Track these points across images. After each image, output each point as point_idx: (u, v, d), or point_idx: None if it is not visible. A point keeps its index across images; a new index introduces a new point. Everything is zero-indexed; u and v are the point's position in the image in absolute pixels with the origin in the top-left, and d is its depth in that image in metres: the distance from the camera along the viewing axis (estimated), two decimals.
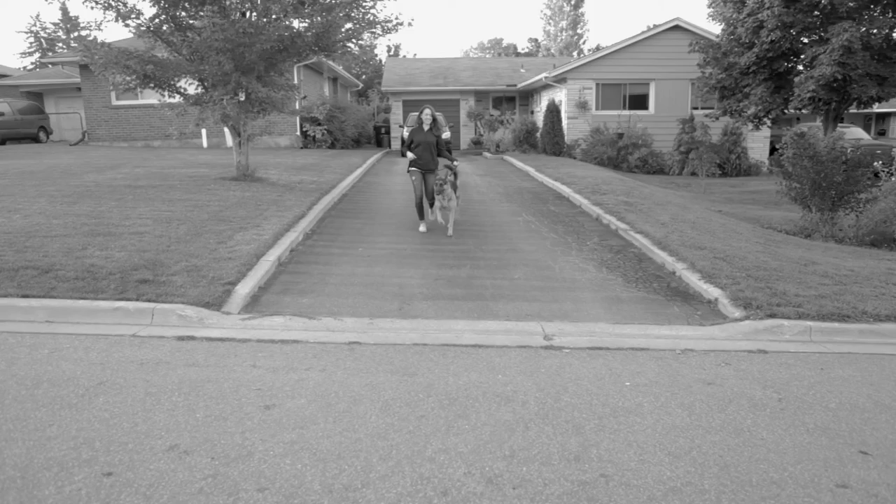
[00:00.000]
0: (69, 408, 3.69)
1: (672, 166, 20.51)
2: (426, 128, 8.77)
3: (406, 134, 9.49)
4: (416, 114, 8.99)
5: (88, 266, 6.15)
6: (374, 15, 11.79)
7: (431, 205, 9.22)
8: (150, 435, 3.40)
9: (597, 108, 22.18)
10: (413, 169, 8.88)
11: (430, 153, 8.77)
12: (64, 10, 46.22)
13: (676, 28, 21.48)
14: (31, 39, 47.04)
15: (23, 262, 6.16)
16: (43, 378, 4.10)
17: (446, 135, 9.59)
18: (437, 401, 3.90)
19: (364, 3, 11.62)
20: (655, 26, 22.24)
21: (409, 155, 8.79)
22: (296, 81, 17.51)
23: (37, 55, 45.90)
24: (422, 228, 8.98)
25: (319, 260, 7.39)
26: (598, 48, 31.08)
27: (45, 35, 46.84)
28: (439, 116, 9.12)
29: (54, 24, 47.11)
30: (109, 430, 3.45)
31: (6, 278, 5.75)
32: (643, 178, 17.96)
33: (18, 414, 3.60)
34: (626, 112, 21.98)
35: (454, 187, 8.97)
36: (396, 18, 11.94)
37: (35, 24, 47.51)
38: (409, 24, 12.46)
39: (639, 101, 22.38)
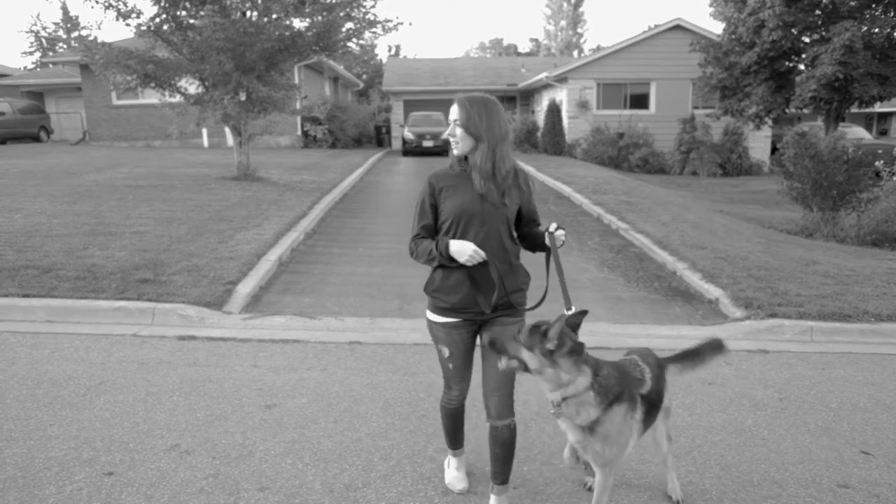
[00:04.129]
0: (70, 407, 3.69)
1: (673, 166, 20.50)
2: (482, 177, 2.55)
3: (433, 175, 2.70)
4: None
5: (89, 266, 6.15)
6: (374, 15, 11.82)
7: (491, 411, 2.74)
8: (151, 434, 3.40)
9: (598, 108, 22.17)
10: (443, 322, 2.73)
11: (499, 250, 2.62)
12: (65, 10, 46.23)
13: (677, 28, 21.47)
14: (32, 39, 47.06)
15: (24, 262, 6.16)
16: (44, 378, 4.09)
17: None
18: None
19: (364, 3, 11.64)
20: (656, 26, 22.24)
21: (421, 246, 2.64)
22: (296, 81, 17.51)
23: (38, 55, 45.89)
24: (457, 484, 2.97)
25: (320, 259, 7.38)
26: (598, 48, 31.14)
27: (46, 35, 46.82)
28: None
29: (55, 23, 47.11)
30: (110, 429, 3.45)
31: (7, 278, 5.75)
32: (644, 178, 17.94)
33: (19, 413, 3.60)
34: (627, 112, 21.96)
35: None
36: (397, 18, 11.98)
37: (36, 24, 47.56)
38: (410, 24, 12.54)
39: (640, 101, 22.37)
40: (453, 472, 3.04)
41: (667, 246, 7.85)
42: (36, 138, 23.47)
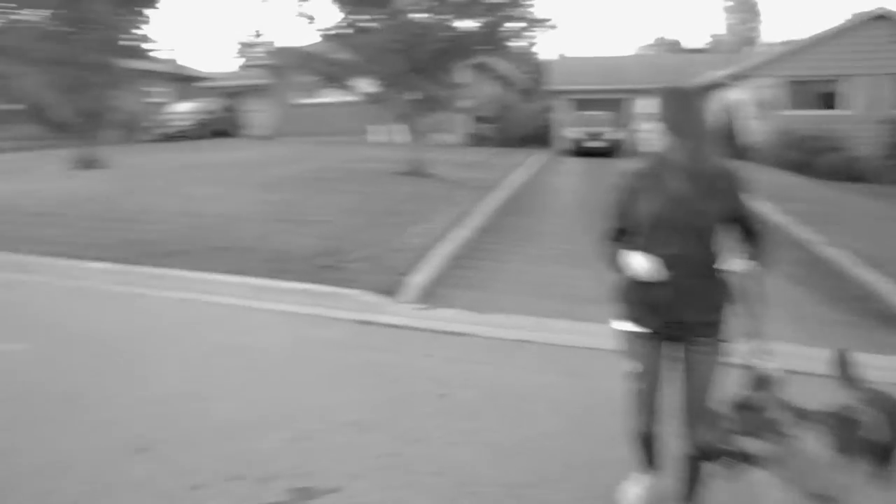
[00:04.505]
0: (266, 374, 4.10)
1: (874, 173, 18.19)
2: (680, 176, 2.33)
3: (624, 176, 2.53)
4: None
5: (279, 249, 6.77)
6: (533, 14, 11.87)
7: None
8: (335, 409, 3.65)
9: (781, 108, 20.25)
10: (637, 332, 2.48)
11: (693, 259, 2.34)
12: (259, 20, 51.46)
13: (880, 18, 18.91)
14: (237, 46, 53.18)
15: (225, 244, 6.95)
16: (243, 346, 4.56)
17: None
18: (611, 408, 3.74)
19: (525, 2, 11.71)
20: (853, 16, 19.83)
21: (608, 250, 2.59)
22: (463, 80, 17.95)
23: (242, 60, 51.71)
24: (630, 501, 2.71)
25: (488, 256, 7.47)
26: (784, 42, 28.43)
27: (244, 42, 52.50)
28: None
29: (256, 31, 52.79)
30: (300, 399, 3.76)
31: (215, 257, 6.51)
32: (836, 186, 16.10)
33: (221, 375, 4.06)
34: (816, 112, 19.84)
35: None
36: (558, 17, 11.94)
37: (237, 33, 53.47)
38: (572, 23, 12.45)
39: (830, 100, 20.07)
40: (633, 489, 2.74)
41: (870, 263, 6.95)
42: (232, 134, 26.79)
